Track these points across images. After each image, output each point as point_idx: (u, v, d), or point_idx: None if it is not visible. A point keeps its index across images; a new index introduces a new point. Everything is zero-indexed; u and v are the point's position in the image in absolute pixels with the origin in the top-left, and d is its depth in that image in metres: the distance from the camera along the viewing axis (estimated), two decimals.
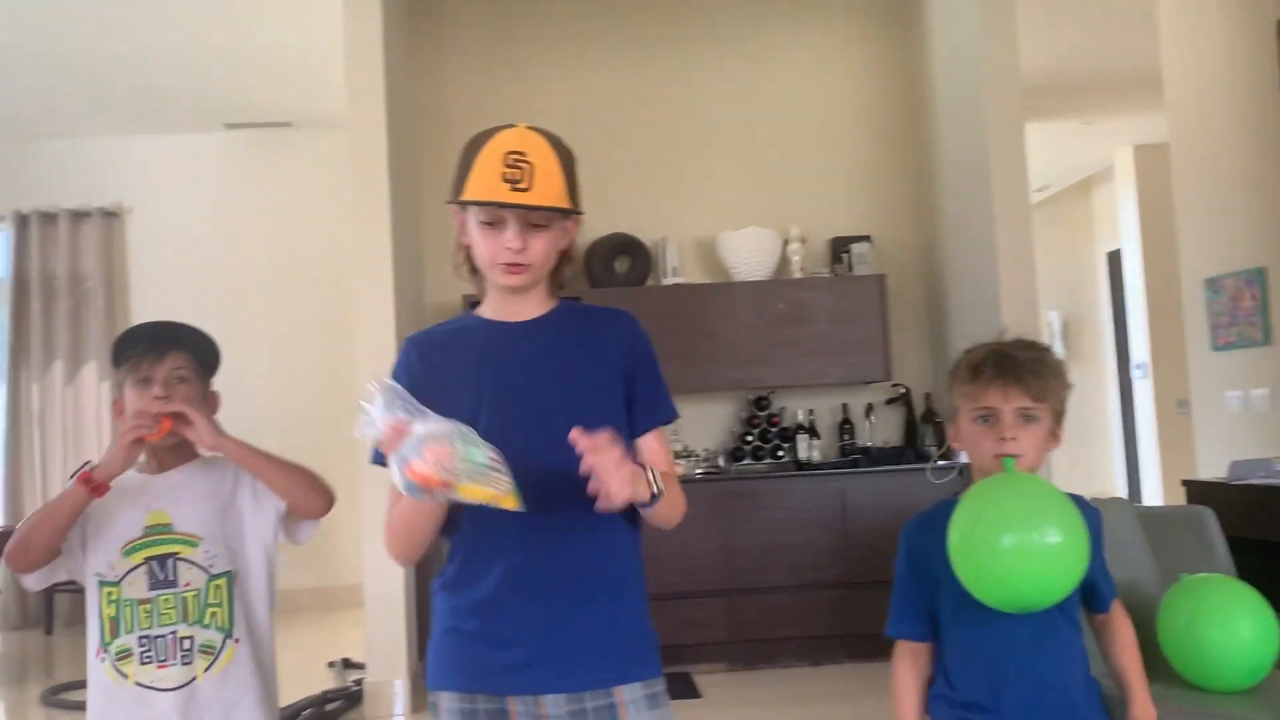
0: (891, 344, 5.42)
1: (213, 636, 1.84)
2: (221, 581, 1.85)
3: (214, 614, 1.84)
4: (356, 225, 4.75)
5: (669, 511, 1.62)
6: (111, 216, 7.61)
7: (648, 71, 5.81)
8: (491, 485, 1.43)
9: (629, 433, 1.66)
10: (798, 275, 5.47)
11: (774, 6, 5.86)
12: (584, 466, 1.45)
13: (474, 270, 1.68)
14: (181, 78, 6.59)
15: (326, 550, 7.10)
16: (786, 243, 5.52)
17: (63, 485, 6.27)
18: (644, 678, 1.60)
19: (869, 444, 5.50)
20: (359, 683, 4.76)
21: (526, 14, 5.80)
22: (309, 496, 1.89)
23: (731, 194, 5.71)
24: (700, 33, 5.84)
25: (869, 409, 5.57)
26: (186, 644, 1.82)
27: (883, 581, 5.48)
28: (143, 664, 1.80)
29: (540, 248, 1.62)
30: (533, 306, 1.69)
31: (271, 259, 7.58)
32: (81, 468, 1.81)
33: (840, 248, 5.56)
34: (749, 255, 5.42)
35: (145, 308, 7.52)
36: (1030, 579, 1.57)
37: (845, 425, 5.56)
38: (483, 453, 1.43)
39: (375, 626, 4.61)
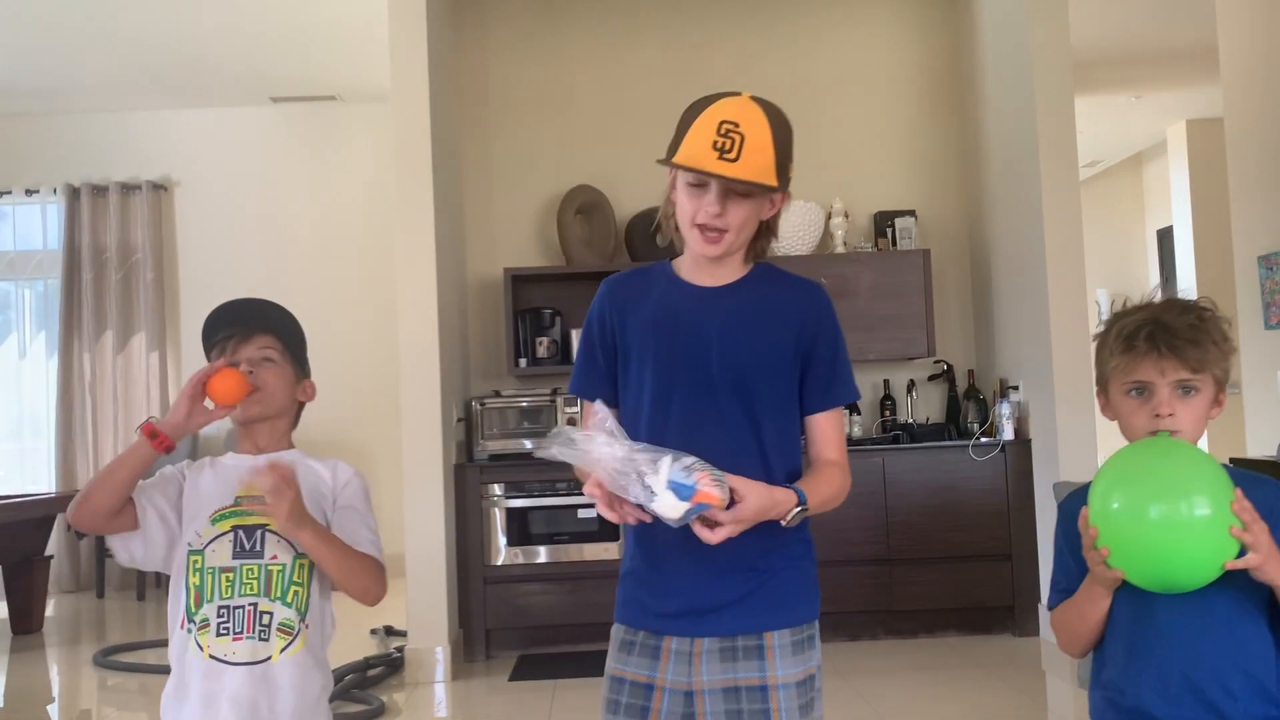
0: (935, 320, 5.37)
1: (291, 616, 1.78)
2: (306, 562, 1.80)
3: (296, 593, 1.79)
4: (399, 198, 4.78)
5: (821, 510, 1.70)
6: (160, 189, 7.72)
7: (692, 44, 5.77)
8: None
9: (800, 409, 1.74)
10: (840, 250, 5.43)
11: None
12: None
13: (677, 228, 1.75)
14: (228, 52, 6.65)
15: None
16: (830, 217, 5.48)
17: (114, 454, 6.42)
18: (793, 624, 1.70)
19: (910, 420, 5.46)
20: (400, 650, 4.83)
21: None
22: (366, 589, 1.83)
23: None
24: (745, 4, 5.79)
25: (911, 385, 5.53)
26: (265, 619, 1.76)
27: (923, 559, 5.50)
28: (218, 636, 1.75)
29: (740, 216, 1.66)
30: (726, 272, 1.75)
31: (317, 232, 7.66)
32: (146, 421, 1.77)
33: (884, 222, 5.51)
34: (792, 229, 5.39)
35: (193, 279, 7.64)
36: (1169, 553, 1.42)
37: (887, 401, 5.53)
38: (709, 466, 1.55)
39: (417, 595, 4.68)
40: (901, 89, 5.79)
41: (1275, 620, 1.52)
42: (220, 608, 1.75)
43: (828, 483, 1.71)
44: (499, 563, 4.98)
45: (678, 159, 1.65)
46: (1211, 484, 1.43)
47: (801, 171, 6.08)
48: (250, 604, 1.76)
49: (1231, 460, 4.43)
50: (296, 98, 7.55)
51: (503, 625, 5.00)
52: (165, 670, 1.84)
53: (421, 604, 4.68)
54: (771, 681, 1.65)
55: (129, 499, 1.77)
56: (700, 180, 1.65)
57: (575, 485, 5.00)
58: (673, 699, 1.68)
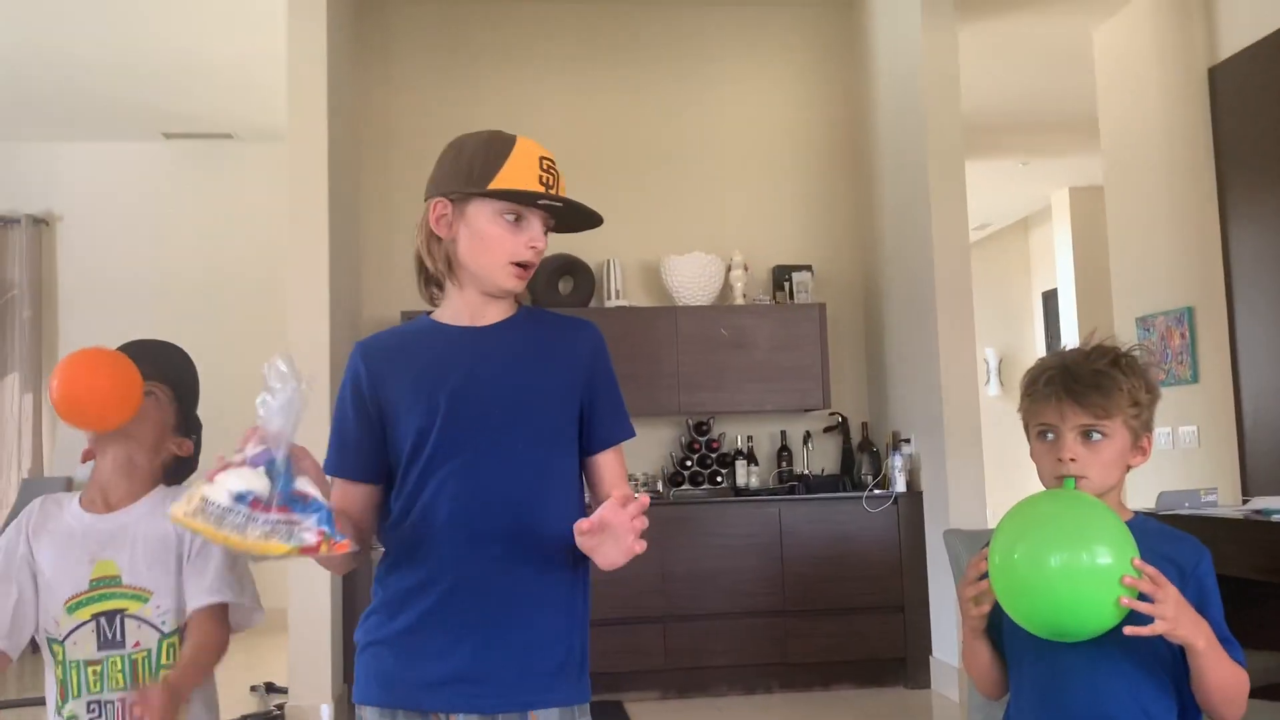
0: (830, 373, 5.45)
1: None
2: (175, 639, 1.68)
3: (165, 678, 1.65)
4: (293, 237, 4.67)
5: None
6: (40, 224, 7.41)
7: (593, 93, 5.80)
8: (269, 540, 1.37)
9: (583, 448, 1.65)
10: (740, 301, 5.48)
11: (720, 34, 5.90)
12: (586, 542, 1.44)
13: (448, 264, 1.60)
14: (119, 86, 6.45)
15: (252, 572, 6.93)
16: (729, 269, 5.54)
17: None
18: (563, 704, 1.55)
19: (806, 471, 5.51)
20: (280, 707, 4.64)
21: (473, 29, 5.78)
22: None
23: (676, 218, 5.71)
24: (647, 57, 5.86)
25: (807, 436, 5.58)
26: (138, 712, 1.60)
27: (817, 610, 5.49)
28: None
29: (541, 252, 1.62)
30: (495, 311, 1.64)
31: (207, 271, 7.43)
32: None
33: (782, 276, 5.58)
34: (692, 280, 5.42)
35: (74, 318, 7.33)
36: (1060, 601, 1.39)
37: (783, 452, 5.56)
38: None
39: (299, 650, 4.50)
40: (800, 146, 5.91)
41: (1181, 678, 1.49)
42: (90, 703, 1.65)
43: None
44: None
45: (510, 185, 1.56)
46: (1107, 535, 1.41)
47: (703, 224, 6.09)
48: (120, 698, 1.64)
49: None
50: (191, 134, 7.36)
51: None
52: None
53: (304, 659, 4.50)
54: None
55: None
56: (519, 213, 1.58)
57: None
58: None
